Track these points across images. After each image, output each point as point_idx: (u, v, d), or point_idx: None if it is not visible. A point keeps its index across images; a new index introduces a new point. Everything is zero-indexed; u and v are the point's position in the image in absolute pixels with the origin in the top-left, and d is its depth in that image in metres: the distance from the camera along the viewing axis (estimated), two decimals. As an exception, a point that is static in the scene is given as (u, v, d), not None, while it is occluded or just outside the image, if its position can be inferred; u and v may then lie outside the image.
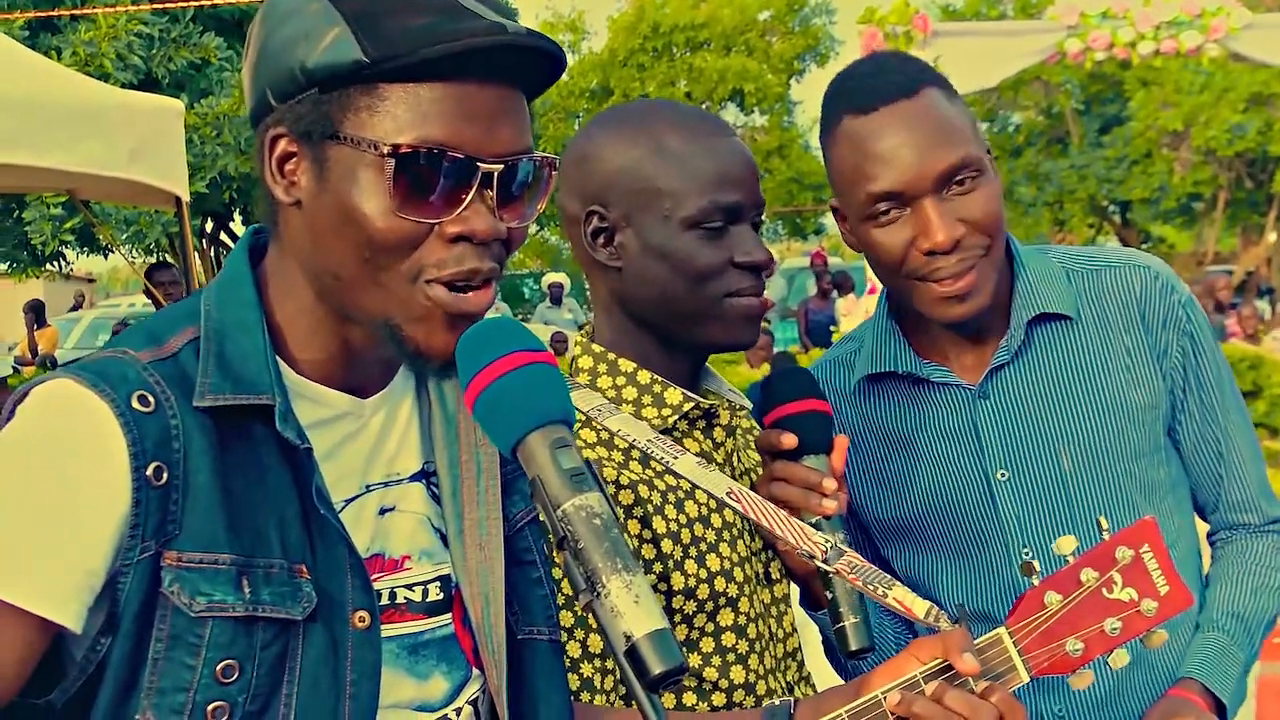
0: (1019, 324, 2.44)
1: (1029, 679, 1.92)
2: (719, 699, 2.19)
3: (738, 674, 2.21)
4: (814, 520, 2.15)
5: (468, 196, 1.59)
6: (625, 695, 2.16)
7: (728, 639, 2.21)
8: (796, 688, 2.35)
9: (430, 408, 1.83)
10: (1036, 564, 1.97)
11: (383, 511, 1.75)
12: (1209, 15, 12.88)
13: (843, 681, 2.50)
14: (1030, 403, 2.45)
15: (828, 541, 2.06)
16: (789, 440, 2.19)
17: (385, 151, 1.57)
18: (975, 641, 1.91)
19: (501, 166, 1.61)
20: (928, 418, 2.51)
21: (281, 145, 1.64)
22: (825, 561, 2.05)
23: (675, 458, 2.11)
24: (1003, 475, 2.45)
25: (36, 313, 21.62)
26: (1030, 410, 2.45)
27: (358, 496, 1.72)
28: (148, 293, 11.15)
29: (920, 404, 2.52)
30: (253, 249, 1.75)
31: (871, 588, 2.01)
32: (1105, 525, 1.99)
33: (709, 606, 2.19)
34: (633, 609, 1.41)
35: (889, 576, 2.02)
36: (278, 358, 1.67)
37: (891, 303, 2.54)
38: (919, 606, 1.96)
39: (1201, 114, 27.42)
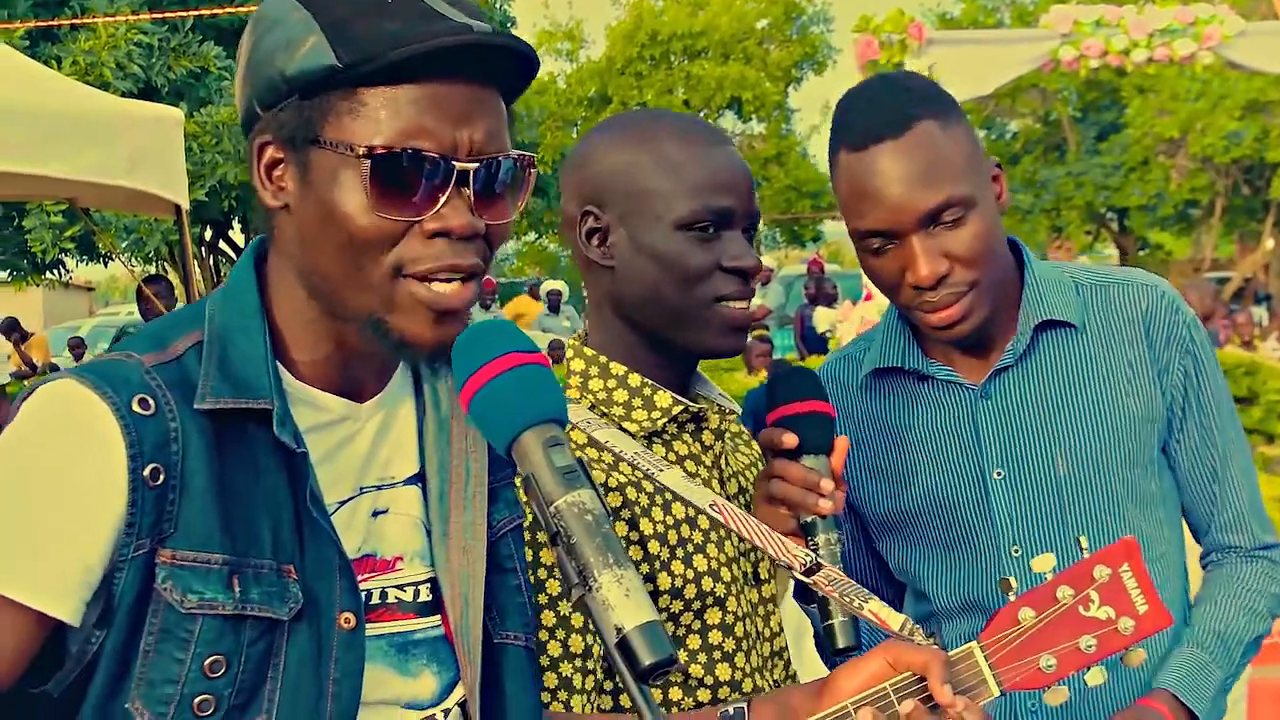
0: (1025, 328, 2.50)
1: (1000, 693, 1.94)
2: (704, 695, 2.23)
3: (724, 671, 2.24)
4: (809, 519, 2.19)
5: (444, 195, 1.64)
6: (612, 691, 2.20)
7: (715, 637, 2.24)
8: (784, 685, 2.38)
9: (425, 412, 1.87)
10: (1013, 580, 2.01)
11: (375, 514, 1.78)
12: (1202, 23, 12.86)
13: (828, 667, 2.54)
14: (1030, 405, 2.51)
15: (807, 555, 2.09)
16: (790, 439, 2.22)
17: (362, 153, 1.61)
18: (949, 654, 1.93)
19: (476, 164, 1.65)
20: (930, 414, 2.57)
21: (269, 152, 1.69)
22: (805, 574, 2.08)
23: (661, 470, 2.15)
24: (998, 474, 2.51)
25: (11, 329, 21.56)
26: (1030, 413, 2.51)
27: (351, 499, 1.76)
28: (139, 301, 11.15)
29: (923, 401, 2.58)
30: (258, 257, 1.79)
31: (847, 600, 2.04)
32: (1085, 544, 2.02)
33: (696, 605, 2.22)
34: (624, 602, 1.45)
35: (865, 590, 2.06)
36: (278, 363, 1.71)
37: None
38: (894, 620, 1.99)
39: (1198, 121, 27.40)
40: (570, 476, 1.52)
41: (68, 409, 1.60)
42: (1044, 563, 2.00)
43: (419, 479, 1.84)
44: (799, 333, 19.21)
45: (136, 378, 1.62)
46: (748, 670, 2.28)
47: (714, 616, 2.24)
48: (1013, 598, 1.99)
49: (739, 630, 2.27)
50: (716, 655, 2.24)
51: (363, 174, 1.61)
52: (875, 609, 2.00)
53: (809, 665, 2.56)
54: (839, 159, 2.42)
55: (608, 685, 2.21)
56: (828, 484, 2.19)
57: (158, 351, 1.66)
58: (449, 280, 1.66)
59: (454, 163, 1.63)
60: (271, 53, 1.66)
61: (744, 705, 2.01)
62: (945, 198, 2.33)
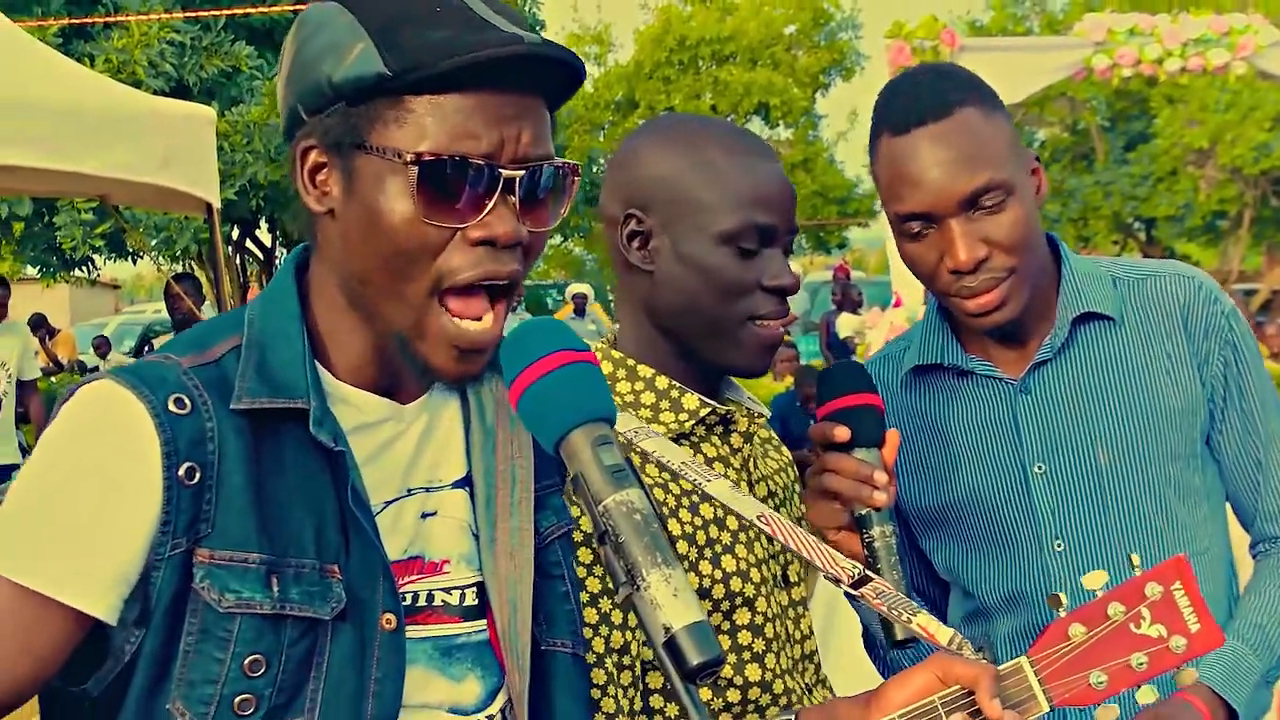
0: (1063, 322, 2.50)
1: (1049, 709, 1.93)
2: (734, 695, 2.23)
3: (753, 672, 2.24)
4: (864, 512, 2.18)
5: (490, 202, 1.63)
6: (643, 692, 2.19)
7: (744, 637, 2.24)
8: (815, 690, 2.38)
9: (470, 418, 1.86)
10: (1063, 596, 1.99)
11: (424, 516, 1.78)
12: (1236, 33, 12.81)
13: (876, 671, 2.52)
14: (1070, 399, 2.50)
15: (854, 568, 2.07)
16: (841, 433, 2.21)
17: (409, 160, 1.61)
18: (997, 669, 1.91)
19: (522, 172, 1.65)
20: (970, 410, 2.57)
21: (312, 157, 1.69)
22: (853, 587, 2.06)
23: (708, 480, 2.13)
24: (1039, 468, 2.50)
25: (40, 325, 21.64)
26: (1069, 406, 2.50)
27: (398, 499, 1.76)
28: (167, 299, 11.15)
29: (963, 397, 2.58)
30: (298, 264, 1.79)
31: (896, 613, 2.02)
32: (1137, 561, 2.00)
33: (725, 606, 2.22)
34: (671, 601, 1.44)
35: (913, 603, 2.04)
36: (318, 364, 1.71)
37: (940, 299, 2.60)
38: (942, 634, 1.97)
39: (1227, 132, 27.30)
40: (619, 475, 1.52)
41: (105, 409, 1.61)
42: (1095, 579, 1.98)
43: (466, 483, 1.84)
44: (824, 339, 19.21)
45: (174, 378, 1.63)
46: (778, 671, 2.27)
47: (743, 617, 2.24)
48: (1063, 613, 1.97)
49: (769, 631, 2.27)
50: (746, 656, 2.24)
51: (409, 180, 1.61)
52: (923, 622, 1.99)
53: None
54: (880, 143, 2.43)
55: (640, 686, 2.20)
56: (881, 476, 2.18)
57: (197, 353, 1.67)
58: (486, 298, 1.67)
59: (500, 170, 1.63)
60: (317, 57, 1.66)
61: (791, 715, 2.00)
62: (985, 182, 2.33)
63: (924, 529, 2.66)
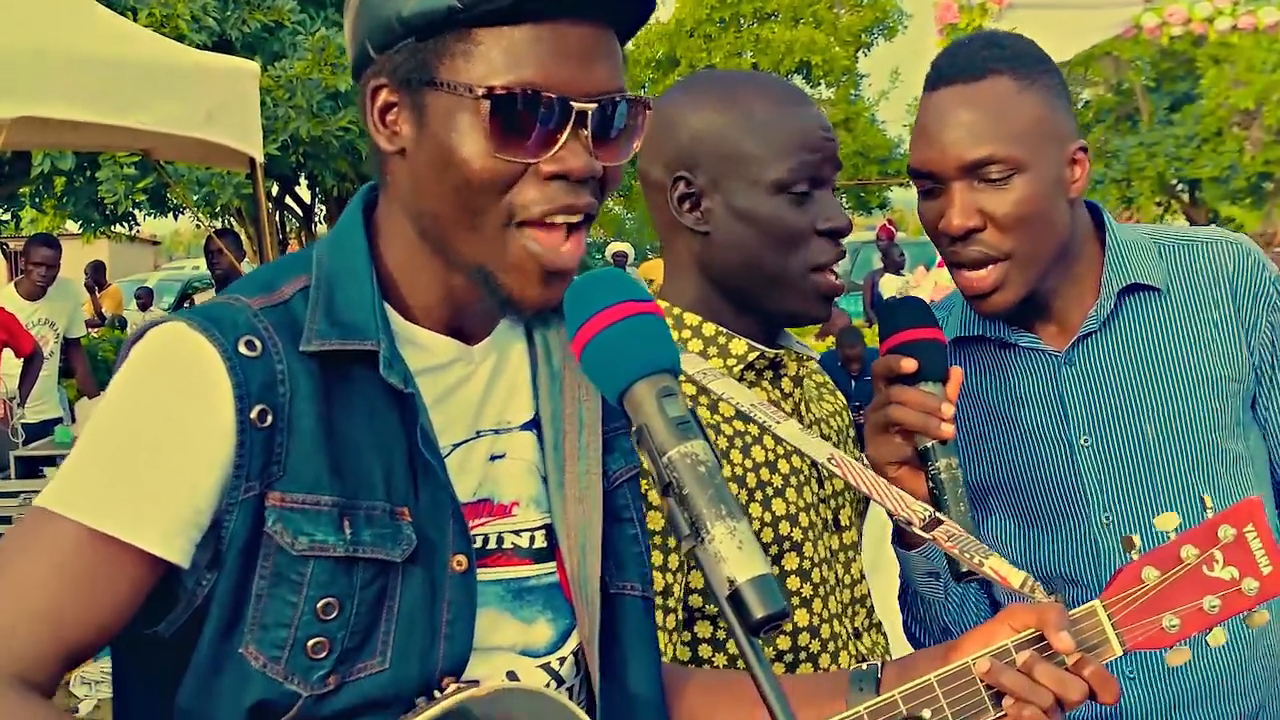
0: (1109, 294, 2.46)
1: (1122, 652, 1.91)
2: (783, 642, 2.23)
3: (801, 617, 2.24)
4: (929, 444, 2.17)
5: (563, 136, 1.61)
6: (690, 642, 2.20)
7: (792, 583, 2.24)
8: (865, 634, 2.39)
9: (538, 361, 1.85)
10: (1136, 539, 1.97)
11: (493, 458, 1.77)
12: (1289, -10, 12.70)
13: (908, 621, 2.50)
14: (1115, 371, 2.47)
15: (925, 510, 2.06)
16: (909, 364, 2.20)
17: (480, 94, 1.59)
18: (1070, 613, 1.88)
19: (595, 105, 1.62)
20: (1014, 382, 2.53)
21: (382, 95, 1.67)
22: (924, 529, 2.05)
23: (777, 423, 2.13)
24: (1085, 441, 2.47)
25: (97, 275, 21.73)
26: (1115, 378, 2.47)
27: (467, 441, 1.74)
28: (208, 255, 11.18)
29: (1007, 369, 2.54)
30: (366, 204, 1.77)
31: (968, 555, 2.01)
32: (1209, 504, 1.99)
33: (773, 550, 2.22)
34: (736, 554, 1.41)
35: (985, 546, 2.02)
36: (387, 305, 1.70)
37: None
38: (1015, 577, 1.96)
39: (1274, 93, 27.02)
40: (684, 427, 1.49)
41: (175, 351, 1.59)
42: (1167, 521, 1.97)
43: (534, 425, 1.83)
44: (868, 300, 19.13)
45: (243, 320, 1.61)
46: (825, 616, 2.28)
47: (791, 562, 2.24)
48: (1135, 556, 1.95)
49: (816, 576, 2.27)
50: (794, 601, 2.24)
51: (481, 115, 1.59)
52: (995, 565, 1.98)
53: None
54: (921, 99, 2.43)
55: (685, 636, 2.22)
56: (948, 408, 2.17)
57: (265, 295, 1.66)
58: (564, 231, 1.64)
59: (572, 103, 1.61)
60: None
61: (877, 664, 1.99)
62: (988, 154, 2.31)
63: None
